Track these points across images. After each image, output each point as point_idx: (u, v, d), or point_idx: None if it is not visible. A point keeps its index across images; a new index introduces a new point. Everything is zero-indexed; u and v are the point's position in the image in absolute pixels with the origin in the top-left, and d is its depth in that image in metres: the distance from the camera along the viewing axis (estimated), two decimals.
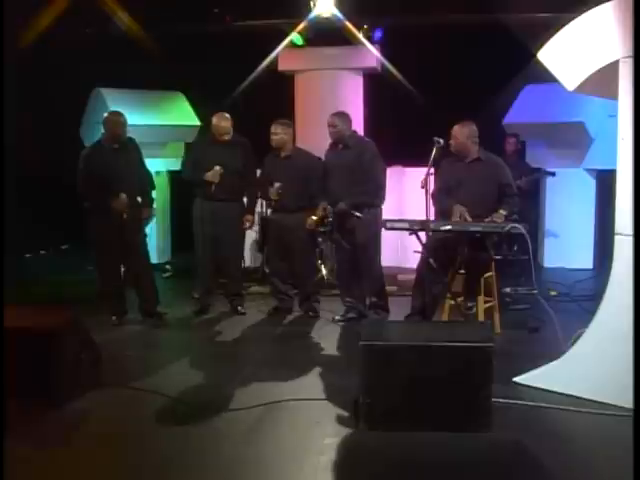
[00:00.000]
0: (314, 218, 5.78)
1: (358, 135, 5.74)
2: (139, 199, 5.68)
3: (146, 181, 5.77)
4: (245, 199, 5.97)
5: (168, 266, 8.04)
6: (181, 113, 8.11)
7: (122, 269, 5.92)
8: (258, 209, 7.12)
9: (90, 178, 5.48)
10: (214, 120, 5.81)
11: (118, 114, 5.60)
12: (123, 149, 5.58)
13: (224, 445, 3.43)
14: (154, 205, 6.03)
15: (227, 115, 5.80)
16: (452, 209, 5.01)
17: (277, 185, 5.69)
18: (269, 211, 6.22)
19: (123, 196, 5.42)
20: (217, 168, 5.65)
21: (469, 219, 4.93)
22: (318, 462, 3.22)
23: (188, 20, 7.87)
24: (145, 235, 5.87)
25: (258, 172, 6.07)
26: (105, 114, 5.66)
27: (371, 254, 5.58)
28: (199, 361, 4.93)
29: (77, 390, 4.01)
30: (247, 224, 5.98)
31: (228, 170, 5.68)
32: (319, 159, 6.27)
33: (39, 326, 3.98)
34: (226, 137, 5.77)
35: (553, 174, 7.64)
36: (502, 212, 4.94)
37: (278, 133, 5.72)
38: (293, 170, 5.72)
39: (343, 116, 5.65)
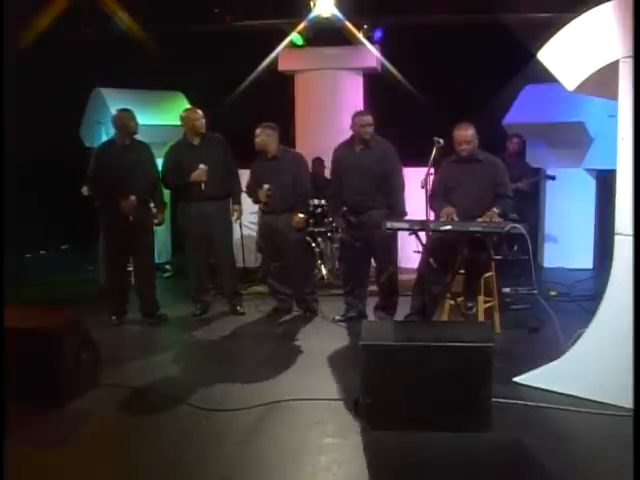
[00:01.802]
0: (301, 216, 5.79)
1: (377, 136, 5.59)
2: (151, 202, 5.70)
3: (157, 183, 5.77)
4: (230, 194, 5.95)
5: (168, 266, 8.04)
6: None
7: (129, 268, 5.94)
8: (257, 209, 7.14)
9: (101, 176, 5.51)
10: (186, 115, 5.82)
11: (126, 110, 5.62)
12: (134, 148, 5.61)
13: (224, 445, 3.43)
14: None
15: (199, 110, 5.83)
16: (442, 210, 4.99)
17: (266, 187, 5.69)
18: (259, 213, 6.21)
19: (132, 198, 5.43)
20: (202, 166, 5.65)
21: (455, 219, 4.91)
22: (318, 462, 3.22)
23: (188, 20, 7.87)
24: (153, 238, 5.88)
25: (242, 172, 6.06)
26: (113, 112, 5.66)
27: (388, 252, 5.54)
28: (199, 361, 4.93)
29: (77, 390, 4.02)
30: (236, 214, 5.98)
31: (211, 168, 5.69)
32: (322, 158, 6.26)
33: (39, 326, 3.98)
34: (201, 131, 5.76)
35: (553, 178, 7.60)
36: (495, 210, 4.91)
37: (259, 135, 5.71)
38: (280, 171, 5.72)
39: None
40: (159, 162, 6.02)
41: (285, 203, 5.75)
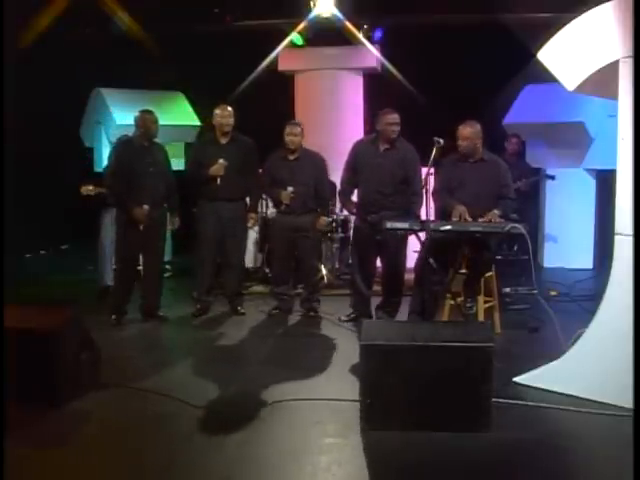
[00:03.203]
0: (325, 219, 5.79)
1: (402, 137, 5.49)
2: (165, 205, 5.71)
3: (172, 186, 5.76)
4: (248, 198, 5.94)
5: (168, 266, 8.03)
6: (181, 113, 8.11)
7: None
8: (259, 209, 7.13)
9: (118, 173, 5.54)
10: (215, 112, 5.78)
11: (150, 112, 5.63)
12: (152, 150, 5.63)
13: (224, 445, 3.43)
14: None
15: (229, 107, 5.78)
16: (454, 208, 4.97)
17: (290, 189, 5.64)
18: (275, 213, 6.16)
19: (145, 207, 5.45)
20: (221, 161, 5.62)
21: (469, 219, 4.89)
22: (318, 462, 3.22)
23: (188, 20, 7.87)
24: (165, 241, 5.90)
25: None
26: (137, 113, 5.66)
27: (397, 253, 5.52)
28: (199, 361, 4.93)
29: (77, 390, 4.01)
30: (251, 222, 5.98)
31: (232, 168, 5.66)
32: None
33: (39, 326, 3.98)
34: (225, 129, 5.73)
35: (553, 177, 7.60)
36: (496, 212, 4.90)
37: (297, 135, 5.66)
38: (302, 172, 5.69)
39: None
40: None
41: (306, 205, 5.73)
